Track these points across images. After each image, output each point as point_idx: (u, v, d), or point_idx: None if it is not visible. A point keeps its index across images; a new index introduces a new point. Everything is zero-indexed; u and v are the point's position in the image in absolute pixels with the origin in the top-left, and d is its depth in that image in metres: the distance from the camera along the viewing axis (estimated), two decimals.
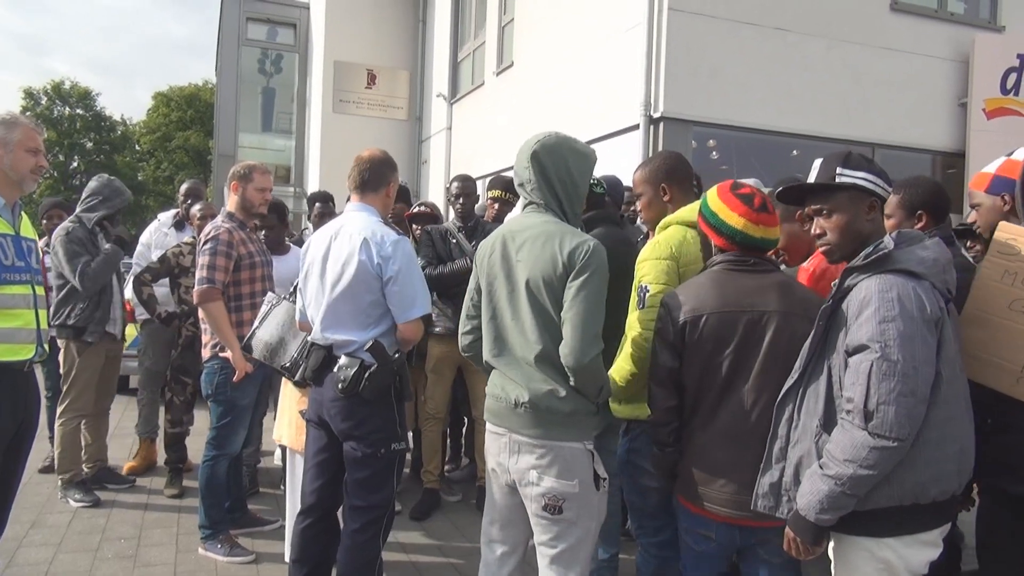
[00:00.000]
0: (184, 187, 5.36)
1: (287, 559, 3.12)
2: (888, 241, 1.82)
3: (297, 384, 2.93)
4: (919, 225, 2.54)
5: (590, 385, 2.20)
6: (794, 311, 2.08)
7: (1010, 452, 2.08)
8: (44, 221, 5.17)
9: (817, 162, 2.01)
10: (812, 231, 2.01)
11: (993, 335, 2.02)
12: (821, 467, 1.78)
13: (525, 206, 2.39)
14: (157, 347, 4.95)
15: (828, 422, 1.83)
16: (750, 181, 3.20)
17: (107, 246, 4.34)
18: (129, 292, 4.87)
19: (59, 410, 4.39)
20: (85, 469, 4.53)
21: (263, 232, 4.66)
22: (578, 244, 2.18)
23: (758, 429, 2.04)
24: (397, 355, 2.74)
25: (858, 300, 1.78)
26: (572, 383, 2.18)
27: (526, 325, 2.22)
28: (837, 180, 1.92)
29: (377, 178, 2.84)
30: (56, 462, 4.44)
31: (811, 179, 1.99)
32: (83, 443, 4.53)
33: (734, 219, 2.17)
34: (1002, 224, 2.11)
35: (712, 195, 2.27)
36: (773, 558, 2.10)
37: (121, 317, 4.55)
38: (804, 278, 2.57)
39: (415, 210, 4.73)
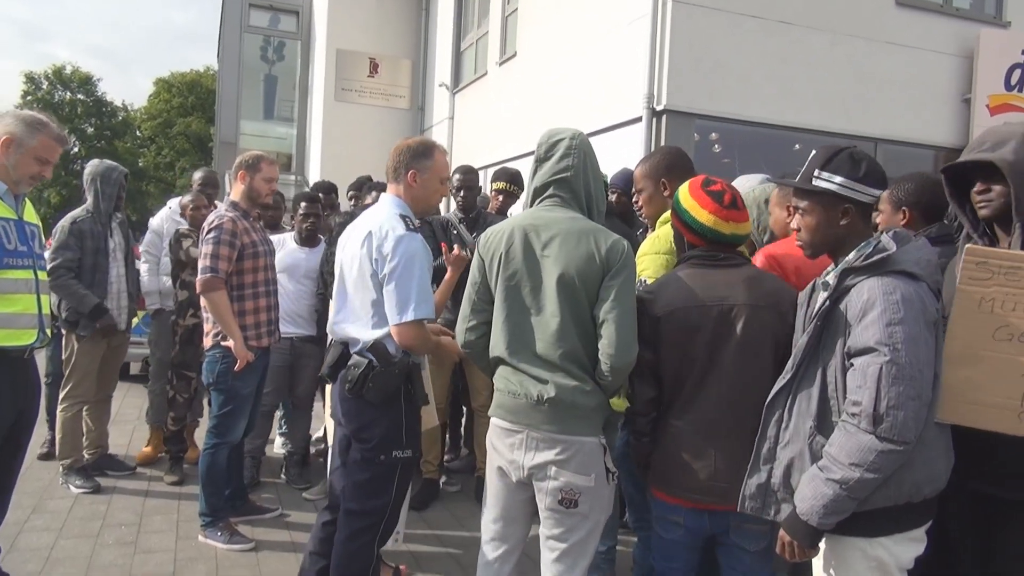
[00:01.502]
0: (199, 175, 4.99)
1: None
2: (888, 242, 1.81)
3: (320, 379, 2.92)
4: (903, 222, 2.55)
5: (621, 382, 2.23)
6: (762, 303, 2.12)
7: (986, 452, 1.96)
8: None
9: (812, 153, 2.01)
10: (792, 224, 2.04)
11: (984, 371, 1.85)
12: (822, 470, 1.77)
13: (542, 199, 2.34)
14: (168, 337, 4.85)
15: (822, 424, 1.83)
16: (758, 177, 3.21)
17: (87, 296, 4.12)
18: (148, 285, 4.92)
19: (60, 396, 4.41)
20: (86, 455, 4.54)
21: (310, 221, 4.63)
22: (614, 242, 2.21)
23: (732, 418, 2.10)
24: (402, 357, 2.63)
25: (860, 302, 1.77)
26: (608, 379, 2.18)
27: (552, 322, 2.20)
28: (813, 183, 1.92)
29: (397, 167, 2.74)
30: (57, 448, 4.46)
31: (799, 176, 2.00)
32: (84, 430, 4.54)
33: (704, 216, 2.22)
34: (969, 248, 1.92)
35: (684, 192, 2.30)
36: (749, 546, 2.13)
37: (126, 307, 4.49)
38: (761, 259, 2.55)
39: None
